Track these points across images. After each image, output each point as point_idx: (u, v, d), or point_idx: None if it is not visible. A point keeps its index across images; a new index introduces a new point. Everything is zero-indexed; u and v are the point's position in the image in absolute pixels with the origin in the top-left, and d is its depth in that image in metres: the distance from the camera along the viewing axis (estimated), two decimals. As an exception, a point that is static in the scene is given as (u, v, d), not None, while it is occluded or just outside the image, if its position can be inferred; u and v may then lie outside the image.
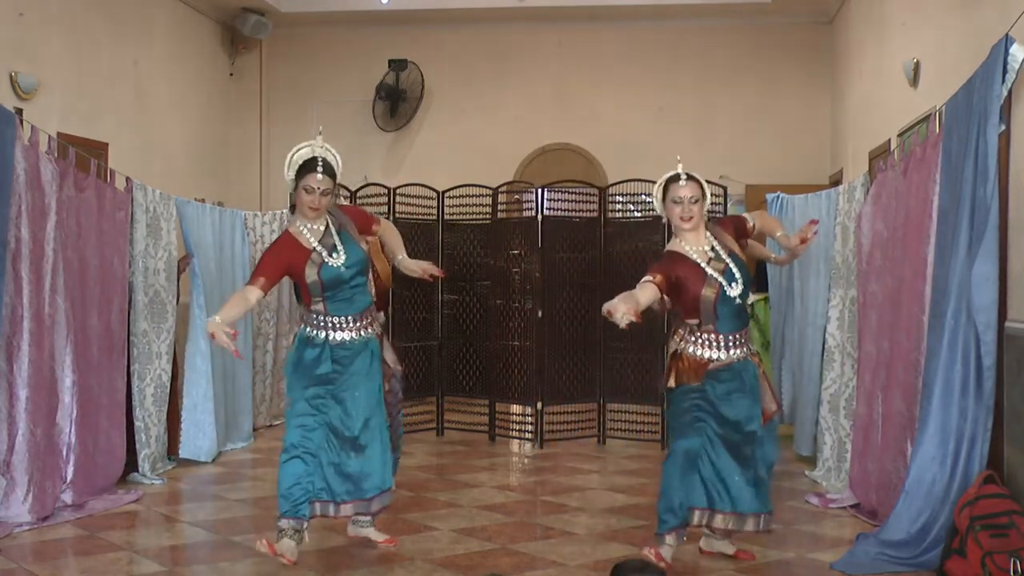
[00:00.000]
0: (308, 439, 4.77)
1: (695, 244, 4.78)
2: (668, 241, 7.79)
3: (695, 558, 4.91)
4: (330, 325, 4.81)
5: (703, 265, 4.71)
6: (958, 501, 4.58)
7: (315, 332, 4.81)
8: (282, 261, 4.79)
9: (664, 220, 5.03)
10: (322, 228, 4.86)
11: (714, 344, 4.70)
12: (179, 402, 7.17)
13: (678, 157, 4.99)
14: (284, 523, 4.75)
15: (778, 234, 5.02)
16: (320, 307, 4.81)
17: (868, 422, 5.85)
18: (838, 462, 6.38)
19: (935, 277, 5.04)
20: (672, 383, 4.75)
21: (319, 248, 4.79)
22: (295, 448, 4.76)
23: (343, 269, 4.79)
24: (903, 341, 5.42)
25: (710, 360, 4.69)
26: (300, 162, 4.83)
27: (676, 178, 4.78)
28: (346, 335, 4.83)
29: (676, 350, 4.77)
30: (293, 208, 4.94)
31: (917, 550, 4.71)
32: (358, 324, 4.86)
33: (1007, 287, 4.96)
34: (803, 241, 4.85)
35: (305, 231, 4.83)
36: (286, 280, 5.03)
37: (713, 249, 4.78)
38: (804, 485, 6.52)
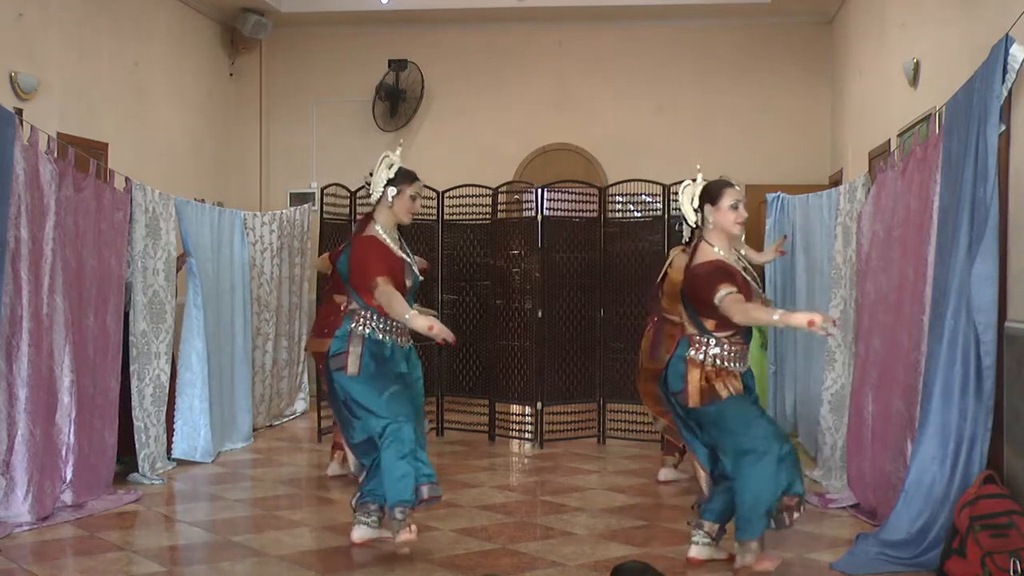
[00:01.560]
0: (409, 434, 4.85)
1: (728, 253, 4.62)
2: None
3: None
4: (393, 329, 4.99)
5: (745, 275, 4.59)
6: (958, 501, 4.58)
7: (383, 336, 4.96)
8: (389, 263, 4.89)
9: (682, 226, 4.98)
10: (397, 238, 5.06)
11: (743, 356, 4.61)
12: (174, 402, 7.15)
13: (698, 166, 4.98)
14: (400, 512, 4.80)
15: (741, 252, 4.97)
16: None
17: (865, 422, 5.85)
18: (840, 462, 6.37)
19: (935, 277, 5.03)
20: (723, 393, 4.50)
21: (407, 258, 5.02)
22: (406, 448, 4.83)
23: (419, 278, 5.08)
24: (903, 341, 5.42)
25: (740, 374, 4.60)
26: (396, 168, 4.99)
27: (729, 183, 4.65)
28: (401, 340, 5.04)
29: (714, 364, 4.52)
30: (368, 216, 5.06)
31: (917, 550, 4.71)
32: (406, 330, 5.03)
33: (1007, 287, 4.96)
34: (782, 253, 4.84)
35: (389, 241, 5.00)
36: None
37: (738, 260, 4.69)
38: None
